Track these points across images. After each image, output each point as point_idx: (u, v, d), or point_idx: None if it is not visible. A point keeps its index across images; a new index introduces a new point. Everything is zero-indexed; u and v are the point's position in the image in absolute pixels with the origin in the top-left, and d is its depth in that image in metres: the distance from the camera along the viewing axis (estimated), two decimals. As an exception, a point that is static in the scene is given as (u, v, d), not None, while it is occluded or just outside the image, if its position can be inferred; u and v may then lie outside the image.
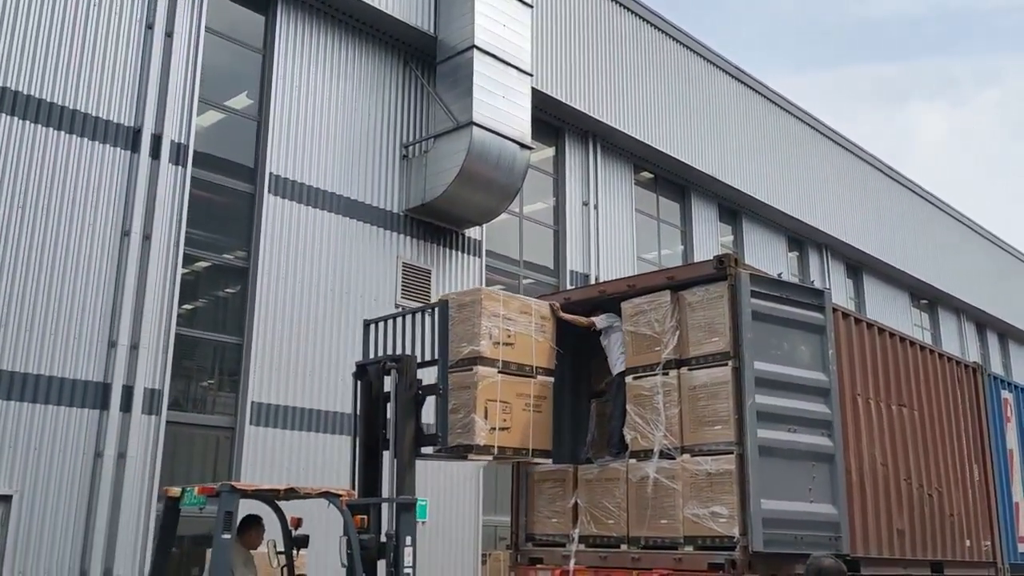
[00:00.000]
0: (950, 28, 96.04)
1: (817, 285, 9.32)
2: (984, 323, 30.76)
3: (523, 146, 14.39)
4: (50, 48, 10.96)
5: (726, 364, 7.67)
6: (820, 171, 23.45)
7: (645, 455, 8.06)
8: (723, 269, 7.84)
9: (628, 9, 18.52)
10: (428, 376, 8.27)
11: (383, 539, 7.42)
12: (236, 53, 13.20)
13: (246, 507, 6.83)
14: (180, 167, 11.84)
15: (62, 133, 10.91)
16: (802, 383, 7.91)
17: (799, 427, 7.75)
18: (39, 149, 10.70)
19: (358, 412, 8.31)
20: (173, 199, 11.69)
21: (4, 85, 10.54)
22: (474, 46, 14.04)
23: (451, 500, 13.56)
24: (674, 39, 19.57)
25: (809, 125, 23.47)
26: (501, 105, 14.15)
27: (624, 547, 8.09)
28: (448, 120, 14.07)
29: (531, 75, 14.94)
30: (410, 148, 14.49)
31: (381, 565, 7.40)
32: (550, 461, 8.69)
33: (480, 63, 14.06)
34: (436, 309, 8.37)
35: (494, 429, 8.08)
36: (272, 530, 7.38)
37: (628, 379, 8.41)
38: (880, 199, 25.76)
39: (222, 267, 12.79)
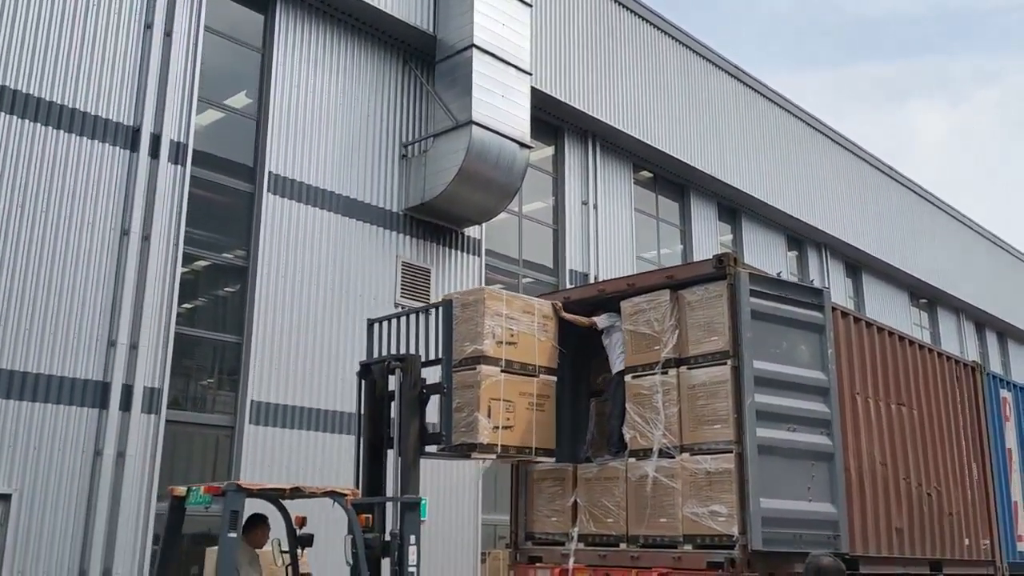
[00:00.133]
0: (949, 28, 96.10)
1: (816, 284, 9.33)
2: (983, 322, 30.78)
3: (522, 145, 14.39)
4: (49, 46, 10.96)
5: (725, 363, 7.68)
6: (819, 170, 23.47)
7: (644, 454, 8.07)
8: (722, 268, 7.85)
9: (627, 8, 18.52)
10: (431, 375, 8.30)
11: (387, 538, 7.44)
12: (235, 52, 13.19)
13: (250, 506, 6.84)
14: (179, 166, 11.84)
15: (61, 132, 10.91)
16: (801, 382, 7.91)
17: (798, 426, 7.76)
18: (38, 148, 10.70)
19: (362, 411, 8.34)
20: (172, 198, 11.69)
21: (3, 84, 10.54)
22: (473, 45, 14.05)
23: (451, 499, 13.57)
24: (673, 38, 19.58)
25: (808, 124, 23.48)
26: (500, 104, 14.16)
27: (623, 546, 8.10)
28: (447, 119, 14.07)
29: (530, 74, 14.94)
30: (409, 147, 14.50)
31: (385, 564, 7.42)
32: (553, 460, 8.71)
33: (479, 62, 14.06)
34: (440, 308, 8.39)
35: (497, 428, 8.12)
36: (277, 529, 7.40)
37: (627, 378, 8.42)
38: (879, 198, 25.77)
39: (221, 266, 12.79)
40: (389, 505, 7.70)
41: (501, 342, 8.28)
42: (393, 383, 8.17)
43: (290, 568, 7.32)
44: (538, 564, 8.73)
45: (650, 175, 19.41)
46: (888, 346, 9.64)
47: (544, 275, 16.69)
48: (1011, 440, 11.97)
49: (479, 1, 14.23)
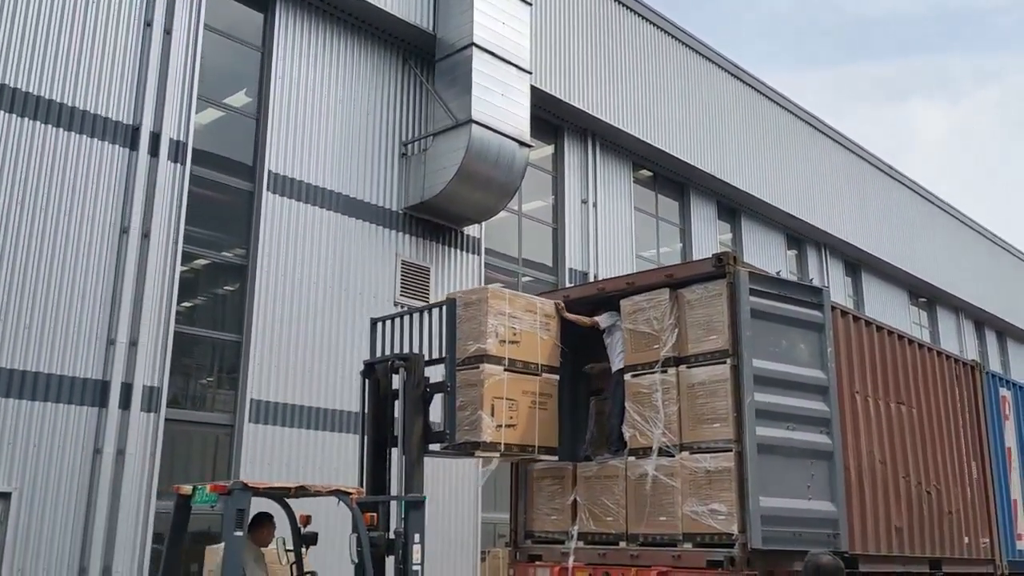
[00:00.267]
0: (949, 27, 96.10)
1: (816, 283, 9.34)
2: (983, 321, 30.79)
3: (522, 144, 14.39)
4: (49, 45, 10.95)
5: (725, 362, 7.68)
6: (819, 169, 23.47)
7: (644, 452, 8.07)
8: (722, 267, 7.85)
9: (627, 7, 18.52)
10: (433, 374, 8.33)
11: (391, 536, 7.45)
12: (235, 50, 13.19)
13: (255, 505, 6.84)
14: (179, 164, 11.84)
15: (60, 130, 10.91)
16: (801, 381, 7.91)
17: (798, 425, 7.76)
18: (38, 146, 10.69)
19: (366, 410, 8.36)
20: (172, 196, 11.68)
21: (3, 81, 10.54)
22: (473, 44, 14.04)
23: (451, 498, 13.57)
24: (673, 37, 19.58)
25: (808, 123, 23.48)
26: (500, 103, 14.15)
27: (623, 544, 8.10)
28: (447, 118, 14.06)
29: (530, 73, 14.93)
30: (409, 146, 14.49)
31: (389, 562, 7.44)
32: (556, 458, 8.72)
33: (479, 61, 14.06)
34: (444, 308, 8.41)
35: (500, 426, 8.14)
36: (281, 528, 7.40)
37: (627, 377, 8.42)
38: (879, 197, 25.78)
39: (221, 265, 12.79)
40: (393, 503, 7.71)
41: (504, 341, 8.30)
42: (396, 382, 8.20)
43: (294, 567, 7.33)
44: (538, 563, 8.73)
45: (650, 174, 19.41)
46: (888, 345, 9.64)
47: (544, 274, 16.70)
48: (1010, 439, 11.98)
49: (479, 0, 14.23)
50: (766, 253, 21.54)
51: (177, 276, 11.53)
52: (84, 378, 10.59)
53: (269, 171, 12.76)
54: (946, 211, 29.16)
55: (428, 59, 14.82)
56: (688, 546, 7.61)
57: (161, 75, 11.83)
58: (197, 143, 12.15)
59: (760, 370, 7.62)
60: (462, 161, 13.63)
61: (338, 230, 13.35)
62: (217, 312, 12.85)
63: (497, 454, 8.30)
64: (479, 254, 15.27)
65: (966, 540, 10.28)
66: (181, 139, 11.90)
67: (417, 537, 7.34)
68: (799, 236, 23.22)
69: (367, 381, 8.43)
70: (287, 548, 7.21)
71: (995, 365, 30.09)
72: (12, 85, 10.59)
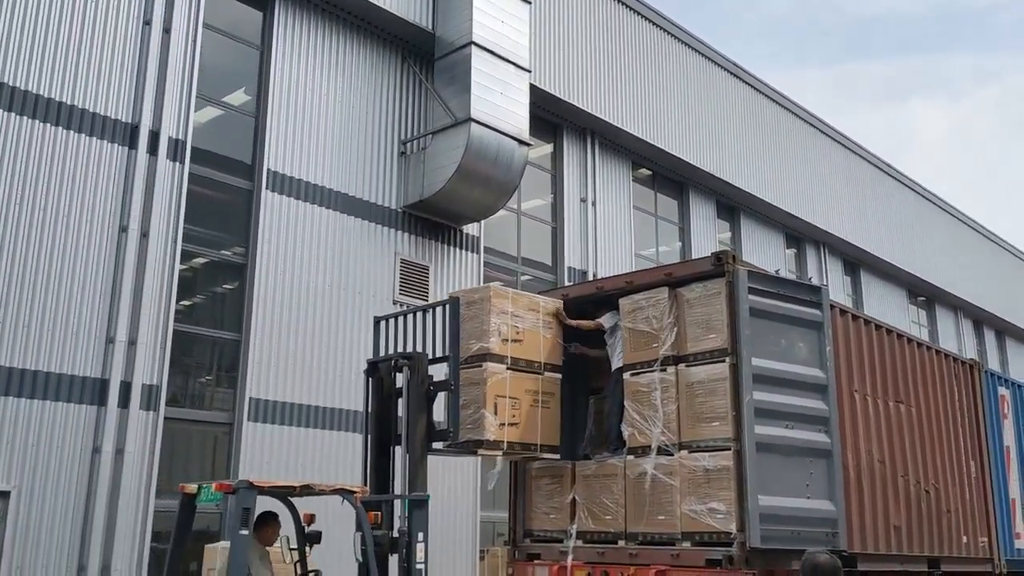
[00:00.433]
0: (949, 26, 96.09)
1: (815, 282, 9.33)
2: (981, 320, 30.80)
3: (521, 142, 14.38)
4: (47, 44, 10.94)
5: (724, 360, 7.68)
6: (818, 168, 23.46)
7: (643, 451, 8.07)
8: (721, 266, 7.84)
9: (626, 6, 18.51)
10: (436, 372, 8.35)
11: (395, 535, 7.46)
12: (234, 49, 13.18)
13: (258, 504, 6.85)
14: (178, 163, 11.83)
15: (59, 129, 10.90)
16: (800, 379, 7.91)
17: (797, 423, 7.75)
18: (36, 145, 10.69)
19: (369, 409, 8.37)
20: (171, 195, 11.68)
21: (2, 80, 10.53)
22: (472, 42, 14.03)
23: (450, 497, 13.57)
24: (673, 36, 19.57)
25: (807, 122, 23.48)
26: (499, 101, 14.15)
27: (622, 543, 8.10)
28: (446, 116, 14.06)
29: (529, 71, 14.93)
30: (408, 144, 14.49)
31: (393, 561, 7.45)
32: (558, 457, 8.73)
33: (478, 59, 14.05)
34: (447, 306, 8.43)
35: (503, 425, 8.16)
36: (284, 526, 7.42)
37: (626, 375, 8.42)
38: (878, 196, 25.78)
39: (220, 263, 12.79)
40: (396, 502, 7.71)
41: (507, 340, 8.31)
42: (400, 381, 8.21)
43: (298, 565, 7.34)
44: (536, 561, 8.73)
45: (649, 173, 19.41)
46: (886, 344, 9.64)
47: (543, 272, 16.70)
48: (1009, 438, 11.98)
49: (478, -2, 14.24)
50: (765, 252, 21.54)
51: (176, 274, 11.53)
52: (83, 376, 10.59)
53: (268, 169, 12.76)
54: (945, 210, 29.16)
55: (427, 58, 14.81)
56: (687, 545, 7.61)
57: (160, 73, 11.82)
58: (196, 141, 12.14)
59: (759, 369, 7.62)
60: (461, 160, 13.63)
61: (337, 228, 13.35)
62: (216, 310, 12.84)
63: (500, 452, 8.33)
64: (478, 253, 15.27)
65: (964, 539, 10.28)
66: (180, 137, 11.90)
67: (421, 536, 7.36)
68: (798, 235, 23.22)
69: (370, 380, 8.46)
70: (291, 547, 7.22)
71: (994, 364, 30.11)
72: (11, 83, 10.59)
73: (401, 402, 8.19)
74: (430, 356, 8.39)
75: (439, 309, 8.59)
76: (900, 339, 9.98)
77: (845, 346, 8.83)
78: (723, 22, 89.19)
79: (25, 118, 10.64)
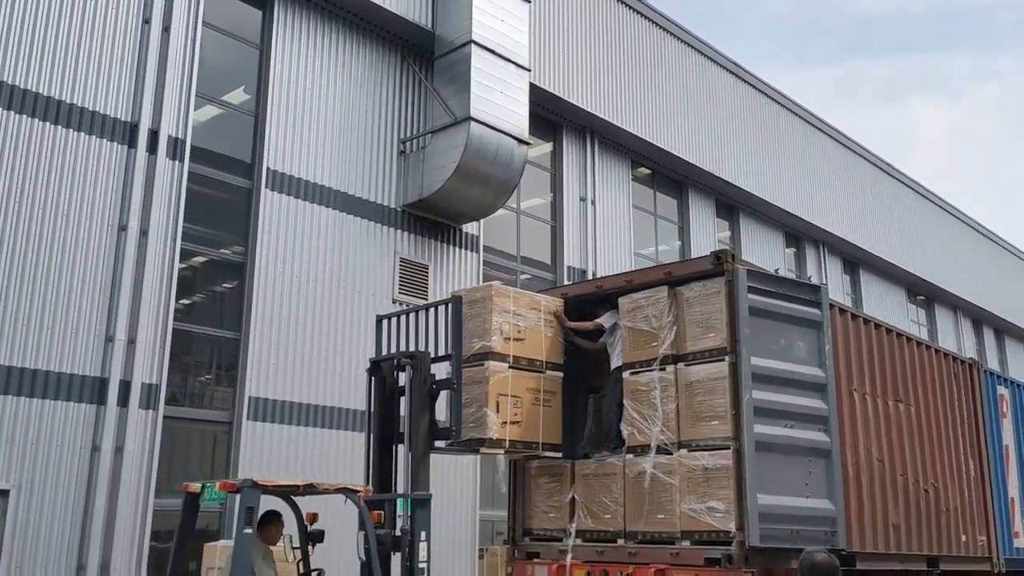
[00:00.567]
0: (949, 26, 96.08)
1: (814, 281, 9.34)
2: (981, 319, 30.81)
3: (521, 141, 14.38)
4: (47, 42, 10.94)
5: (723, 360, 7.68)
6: (817, 167, 23.47)
7: (642, 450, 8.08)
8: (720, 265, 7.85)
9: (627, 5, 18.51)
10: (438, 371, 8.36)
11: (397, 533, 7.47)
12: (233, 48, 13.18)
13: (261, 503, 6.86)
14: (177, 162, 11.83)
15: (59, 127, 10.90)
16: (799, 379, 7.92)
17: (796, 422, 7.76)
18: (35, 143, 10.68)
19: (372, 408, 8.39)
20: (170, 194, 11.68)
21: (1, 79, 10.52)
22: (472, 41, 14.03)
23: (449, 495, 13.57)
24: (672, 35, 19.57)
25: (807, 121, 23.48)
26: (499, 100, 14.14)
27: (621, 542, 8.11)
28: (446, 115, 14.05)
29: (529, 70, 14.92)
30: (408, 143, 14.49)
31: (395, 559, 7.45)
32: (560, 455, 8.75)
33: (478, 58, 14.05)
34: (450, 305, 8.44)
35: (505, 423, 8.19)
36: (287, 525, 7.43)
37: (625, 374, 8.42)
38: (877, 195, 25.78)
39: (219, 262, 12.79)
40: (398, 501, 7.73)
41: (508, 338, 8.34)
42: (402, 379, 8.22)
43: (301, 564, 7.34)
44: (536, 560, 8.74)
45: (648, 172, 19.41)
46: (886, 343, 9.64)
47: (542, 271, 16.70)
48: (1008, 437, 11.99)
49: (478, -3, 14.23)
50: (764, 251, 21.55)
51: (175, 273, 11.53)
52: (83, 375, 10.59)
53: (267, 168, 12.76)
54: (945, 209, 29.17)
55: (427, 56, 14.81)
56: (686, 544, 7.61)
57: (159, 72, 11.81)
58: (195, 140, 12.14)
59: (758, 368, 7.62)
60: (461, 158, 13.63)
61: (337, 227, 13.35)
62: (215, 309, 12.84)
63: (502, 451, 8.36)
64: (478, 252, 15.27)
65: (963, 538, 10.29)
66: (179, 136, 11.89)
67: (423, 534, 7.38)
68: (797, 234, 23.23)
69: (373, 378, 8.47)
70: (294, 546, 7.23)
71: (993, 363, 30.11)
72: (10, 81, 10.58)
73: (403, 401, 8.21)
74: (432, 355, 8.40)
75: (440, 308, 8.61)
76: (899, 338, 9.98)
77: (844, 345, 8.83)
78: (723, 21, 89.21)
79: (24, 116, 10.63)
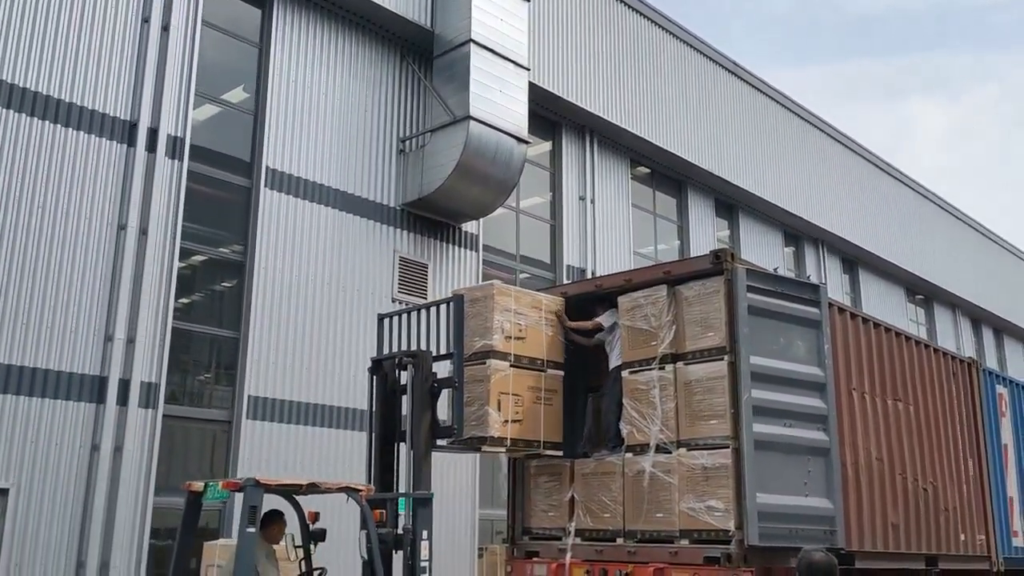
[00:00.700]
0: (949, 24, 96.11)
1: (813, 280, 9.35)
2: (979, 318, 30.83)
3: (520, 140, 14.38)
4: (46, 41, 10.93)
5: (722, 359, 7.69)
6: (817, 166, 23.47)
7: (641, 449, 8.09)
8: (719, 264, 7.86)
9: (626, 4, 18.51)
10: (439, 370, 8.37)
11: (399, 532, 7.49)
12: (233, 47, 13.17)
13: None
14: (176, 161, 11.83)
15: (58, 126, 10.89)
16: (798, 378, 7.93)
17: (795, 421, 7.77)
18: (35, 142, 10.68)
19: (374, 407, 8.40)
20: (169, 193, 11.67)
21: (0, 77, 10.52)
22: (471, 40, 14.02)
23: (448, 494, 13.57)
24: (671, 34, 19.57)
25: (806, 120, 23.48)
26: (498, 99, 14.14)
27: (620, 541, 8.12)
28: (445, 114, 14.05)
29: (528, 69, 14.92)
30: (407, 142, 14.49)
31: (397, 558, 7.46)
32: (561, 453, 8.76)
33: (477, 57, 14.04)
34: (451, 304, 8.47)
35: (507, 421, 8.22)
36: (289, 524, 7.43)
37: (624, 373, 8.43)
38: (876, 194, 25.79)
39: (218, 261, 12.78)
40: (400, 500, 7.75)
41: (510, 337, 8.38)
42: (404, 378, 8.23)
43: (303, 563, 7.36)
44: (535, 559, 8.75)
45: (647, 171, 19.41)
46: (884, 342, 9.65)
47: (541, 270, 16.70)
48: (1007, 436, 12.00)
49: (477, -4, 14.23)
50: (764, 250, 21.55)
51: (175, 272, 11.53)
52: (82, 374, 10.59)
53: (267, 167, 12.76)
54: (944, 208, 29.18)
55: (426, 55, 14.81)
56: (685, 542, 7.62)
57: (159, 71, 11.81)
58: (195, 139, 12.13)
59: (757, 367, 7.63)
60: (460, 157, 13.63)
61: (336, 226, 13.35)
62: (215, 308, 12.84)
63: (503, 449, 8.39)
64: (477, 251, 15.27)
65: (962, 537, 10.30)
66: (179, 135, 11.89)
67: (425, 533, 7.38)
68: (797, 233, 23.23)
69: (374, 377, 8.48)
70: (296, 545, 7.24)
71: (992, 362, 30.12)
72: (9, 80, 10.57)
73: (405, 399, 8.21)
74: (433, 353, 8.42)
75: (442, 306, 8.63)
76: (898, 337, 10.00)
77: (843, 344, 8.84)
78: (723, 21, 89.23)
79: (24, 115, 10.63)
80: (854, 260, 25.20)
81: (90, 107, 11.18)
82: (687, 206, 20.01)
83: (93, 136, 11.15)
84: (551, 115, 17.00)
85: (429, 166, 14.02)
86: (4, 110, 10.49)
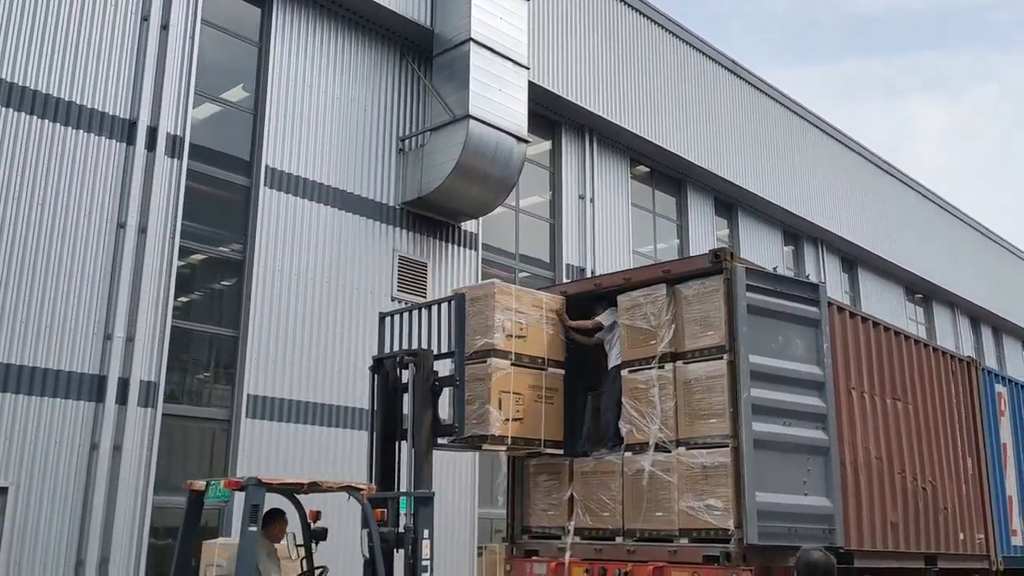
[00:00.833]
0: (949, 24, 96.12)
1: (812, 279, 9.36)
2: (978, 317, 30.84)
3: (519, 139, 14.38)
4: (46, 40, 10.92)
5: (721, 358, 7.70)
6: (816, 166, 23.48)
7: (641, 448, 8.09)
8: (719, 263, 7.86)
9: (625, 3, 18.50)
10: (440, 368, 8.38)
11: (401, 531, 7.49)
12: (232, 46, 13.17)
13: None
14: (176, 159, 11.82)
15: (58, 125, 10.88)
16: (797, 377, 7.94)
17: (794, 420, 7.78)
18: (34, 141, 10.67)
19: (375, 406, 8.41)
20: (169, 191, 11.67)
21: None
22: (471, 39, 14.02)
23: (448, 493, 13.58)
24: (671, 33, 19.57)
25: (805, 119, 23.48)
26: (498, 98, 14.14)
27: (619, 540, 8.12)
28: (445, 113, 14.05)
29: (528, 68, 14.92)
30: (406, 141, 14.48)
31: (398, 557, 7.47)
32: (561, 452, 8.77)
33: (477, 56, 14.04)
34: (453, 302, 8.48)
35: (508, 420, 8.23)
36: (291, 523, 7.44)
37: (624, 372, 8.44)
38: (875, 193, 25.80)
39: (218, 260, 12.78)
40: (401, 498, 7.76)
41: (511, 335, 8.39)
42: (405, 377, 8.25)
43: (305, 562, 7.36)
44: (534, 558, 8.76)
45: (647, 170, 19.41)
46: (884, 341, 9.66)
47: (541, 269, 16.71)
48: (1006, 435, 12.01)
49: (476, -5, 14.22)
50: (763, 249, 21.56)
51: (174, 271, 11.52)
52: (81, 373, 10.58)
53: (266, 166, 12.75)
54: (943, 208, 29.19)
55: (426, 54, 14.80)
56: (684, 541, 7.63)
57: (158, 70, 11.81)
58: (194, 138, 12.13)
59: (756, 366, 7.64)
60: (459, 157, 13.63)
61: (335, 225, 13.35)
62: (214, 307, 12.84)
63: (504, 448, 8.40)
64: (476, 250, 15.27)
65: (961, 536, 10.31)
66: (178, 134, 11.89)
67: (426, 532, 7.39)
68: (796, 232, 23.24)
69: (375, 376, 8.49)
70: (297, 544, 7.25)
71: (991, 361, 30.14)
72: (8, 79, 10.56)
73: (406, 398, 8.23)
74: (434, 352, 8.43)
75: (443, 305, 8.64)
76: (897, 336, 10.00)
77: (843, 343, 8.85)
78: (723, 20, 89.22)
79: (23, 114, 10.62)
80: (853, 259, 25.21)
81: (89, 105, 11.17)
82: (686, 205, 20.02)
83: (92, 134, 11.15)
84: (551, 114, 17.00)
85: (428, 165, 14.02)
86: (4, 108, 10.48)
